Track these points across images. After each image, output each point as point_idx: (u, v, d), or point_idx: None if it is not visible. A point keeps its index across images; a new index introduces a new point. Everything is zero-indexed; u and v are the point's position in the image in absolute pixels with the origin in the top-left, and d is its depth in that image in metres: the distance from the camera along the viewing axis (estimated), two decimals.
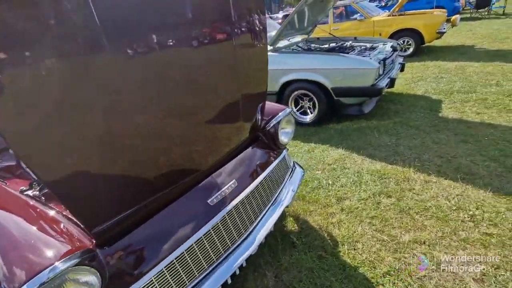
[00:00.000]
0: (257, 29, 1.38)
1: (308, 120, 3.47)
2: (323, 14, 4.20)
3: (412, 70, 5.21)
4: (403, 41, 6.24)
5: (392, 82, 3.17)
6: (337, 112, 3.39)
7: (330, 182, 2.31)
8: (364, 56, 3.19)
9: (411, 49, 6.25)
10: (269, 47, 3.60)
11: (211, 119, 1.32)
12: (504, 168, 2.18)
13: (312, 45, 4.33)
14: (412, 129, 3.00)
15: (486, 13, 10.77)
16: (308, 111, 3.44)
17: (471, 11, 11.94)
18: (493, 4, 11.18)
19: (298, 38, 4.34)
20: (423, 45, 6.28)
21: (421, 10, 7.03)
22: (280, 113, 1.73)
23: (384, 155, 2.59)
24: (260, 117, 1.67)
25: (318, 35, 7.05)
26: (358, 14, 6.53)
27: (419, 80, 4.60)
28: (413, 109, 3.50)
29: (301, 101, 3.45)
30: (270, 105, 1.85)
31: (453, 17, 6.16)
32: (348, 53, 3.68)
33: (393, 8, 6.63)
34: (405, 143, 2.74)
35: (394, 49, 3.65)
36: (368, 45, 4.00)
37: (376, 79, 2.95)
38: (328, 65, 3.06)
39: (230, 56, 1.28)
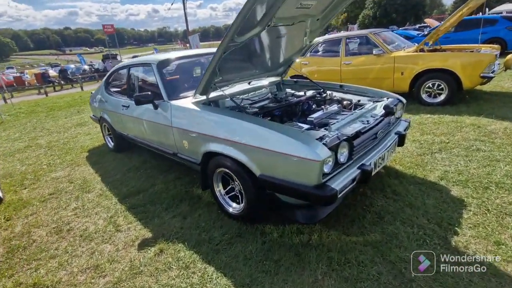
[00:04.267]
0: None
1: (231, 211, 2.27)
2: (297, 52, 3.04)
3: (437, 129, 3.71)
4: (433, 85, 4.72)
5: (365, 176, 1.86)
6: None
7: None
8: (318, 129, 1.94)
9: (442, 96, 4.69)
10: (200, 97, 2.54)
11: None
12: None
13: (278, 94, 3.17)
14: (387, 273, 1.63)
15: None
16: (240, 196, 2.25)
17: None
18: None
19: (265, 82, 3.23)
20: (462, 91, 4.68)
21: (462, 45, 5.43)
22: None
23: None
24: None
25: (327, 69, 5.87)
26: (377, 48, 5.20)
27: (441, 148, 3.12)
28: (411, 214, 2.09)
29: (231, 181, 2.28)
30: None
31: (508, 57, 4.52)
32: (307, 113, 2.46)
33: (422, 41, 5.17)
34: None
35: (388, 112, 2.33)
36: (354, 99, 2.73)
37: (325, 175, 1.68)
38: (252, 141, 1.87)
39: None
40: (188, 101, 2.55)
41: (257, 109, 2.50)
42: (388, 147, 2.16)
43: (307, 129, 1.97)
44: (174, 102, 2.60)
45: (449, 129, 3.67)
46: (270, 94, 3.11)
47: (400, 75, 4.94)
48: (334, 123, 2.02)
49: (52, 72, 21.14)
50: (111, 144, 4.26)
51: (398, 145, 2.40)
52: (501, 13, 17.98)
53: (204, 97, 2.55)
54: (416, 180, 2.55)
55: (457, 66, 4.41)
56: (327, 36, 6.72)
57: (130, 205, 2.68)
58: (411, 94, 4.91)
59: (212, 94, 2.61)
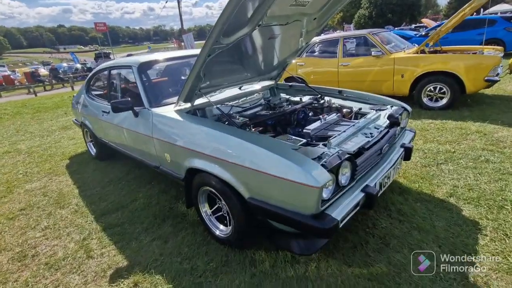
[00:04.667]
0: None
1: (218, 233, 2.02)
2: (293, 54, 2.79)
3: (441, 136, 3.49)
4: (434, 88, 4.51)
5: (370, 201, 1.61)
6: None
7: None
8: (315, 143, 1.69)
9: (444, 100, 4.48)
10: (184, 105, 2.28)
11: None
12: None
13: (272, 99, 2.92)
14: None
15: None
16: (227, 217, 1.99)
17: None
18: None
19: (257, 86, 2.97)
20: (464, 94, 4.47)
21: (464, 47, 5.23)
22: None
23: None
24: None
25: (324, 70, 5.63)
26: (376, 49, 4.97)
27: (447, 159, 2.89)
28: (420, 239, 1.85)
29: (218, 200, 2.02)
30: None
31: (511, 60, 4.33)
32: (303, 123, 2.22)
33: (423, 42, 4.95)
34: None
35: (394, 123, 2.10)
36: (355, 107, 2.48)
37: (324, 201, 1.43)
38: (238, 159, 1.62)
39: None
40: (171, 109, 2.29)
41: (247, 119, 2.23)
42: (394, 163, 1.92)
43: (303, 144, 1.73)
44: (155, 110, 2.33)
45: (453, 136, 3.45)
46: (263, 100, 2.86)
47: (400, 78, 4.72)
48: (333, 137, 1.77)
49: (43, 71, 20.62)
50: (93, 151, 3.97)
51: (404, 159, 2.16)
52: (496, 13, 17.92)
53: (188, 105, 2.29)
54: (422, 197, 2.32)
55: (460, 69, 4.20)
56: (323, 36, 6.48)
57: (107, 225, 2.41)
58: (411, 97, 4.69)
59: (199, 101, 2.35)
